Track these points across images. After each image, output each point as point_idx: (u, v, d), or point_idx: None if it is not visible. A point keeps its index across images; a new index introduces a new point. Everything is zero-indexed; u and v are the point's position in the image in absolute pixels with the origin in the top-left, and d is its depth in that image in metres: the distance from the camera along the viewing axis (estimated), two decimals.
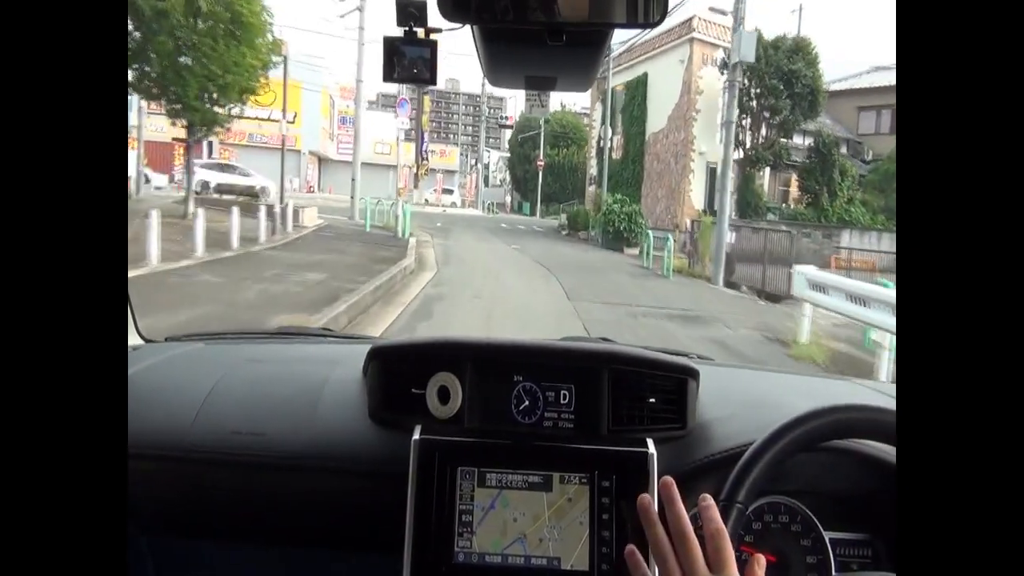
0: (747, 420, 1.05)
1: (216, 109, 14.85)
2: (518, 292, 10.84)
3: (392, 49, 1.10)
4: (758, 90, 21.61)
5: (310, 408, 1.09)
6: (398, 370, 1.05)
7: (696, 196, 22.72)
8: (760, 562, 0.75)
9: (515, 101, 64.36)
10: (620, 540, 0.91)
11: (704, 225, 16.44)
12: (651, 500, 0.82)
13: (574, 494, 0.93)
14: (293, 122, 49.62)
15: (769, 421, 0.88)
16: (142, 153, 22.49)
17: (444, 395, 1.01)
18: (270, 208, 15.44)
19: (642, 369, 1.04)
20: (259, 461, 1.02)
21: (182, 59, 13.15)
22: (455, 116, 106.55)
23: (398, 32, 1.11)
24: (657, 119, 24.54)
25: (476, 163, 47.11)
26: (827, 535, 1.00)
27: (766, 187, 23.82)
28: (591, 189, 30.14)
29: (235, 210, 12.27)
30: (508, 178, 56.57)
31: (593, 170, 29.97)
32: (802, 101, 21.32)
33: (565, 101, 51.93)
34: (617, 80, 26.86)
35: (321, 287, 8.62)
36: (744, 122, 21.82)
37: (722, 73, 21.69)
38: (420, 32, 1.08)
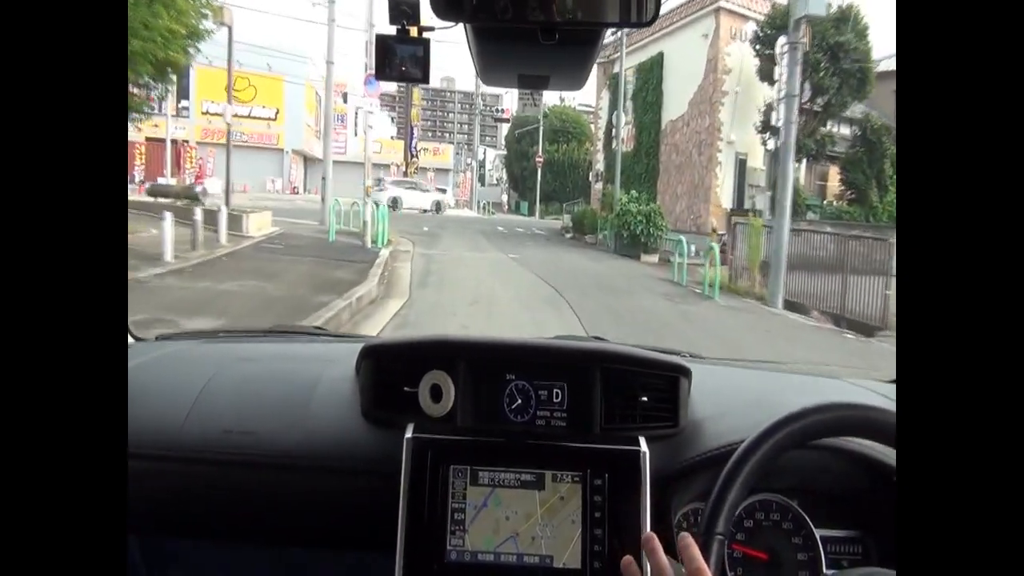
0: (739, 418, 1.04)
1: (132, 90, 11.48)
2: (520, 331, 7.31)
3: (385, 47, 1.08)
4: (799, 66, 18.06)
5: (302, 407, 1.08)
6: (390, 368, 1.04)
7: (724, 192, 19.21)
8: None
9: (511, 95, 60.91)
10: (612, 538, 0.90)
11: (752, 228, 12.93)
12: (653, 536, 0.78)
13: (566, 492, 0.93)
14: (275, 119, 46.27)
15: (761, 419, 0.87)
16: None
17: (437, 393, 1.00)
18: (211, 214, 12.13)
19: (634, 367, 1.04)
20: (251, 460, 1.01)
21: None
22: (450, 115, 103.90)
23: (391, 30, 1.10)
24: (675, 105, 21.02)
25: (471, 161, 43.57)
26: (818, 532, 0.99)
27: (801, 181, 20.30)
28: (597, 187, 26.61)
29: (168, 217, 9.62)
30: (505, 176, 53.22)
31: (600, 165, 26.45)
32: (850, 79, 17.73)
33: (565, 94, 48.53)
34: (627, 63, 23.34)
35: None
36: (779, 103, 18.29)
37: (755, 49, 18.36)
38: (413, 30, 1.06)
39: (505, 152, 54.21)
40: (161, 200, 18.63)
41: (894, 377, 1.40)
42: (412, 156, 37.15)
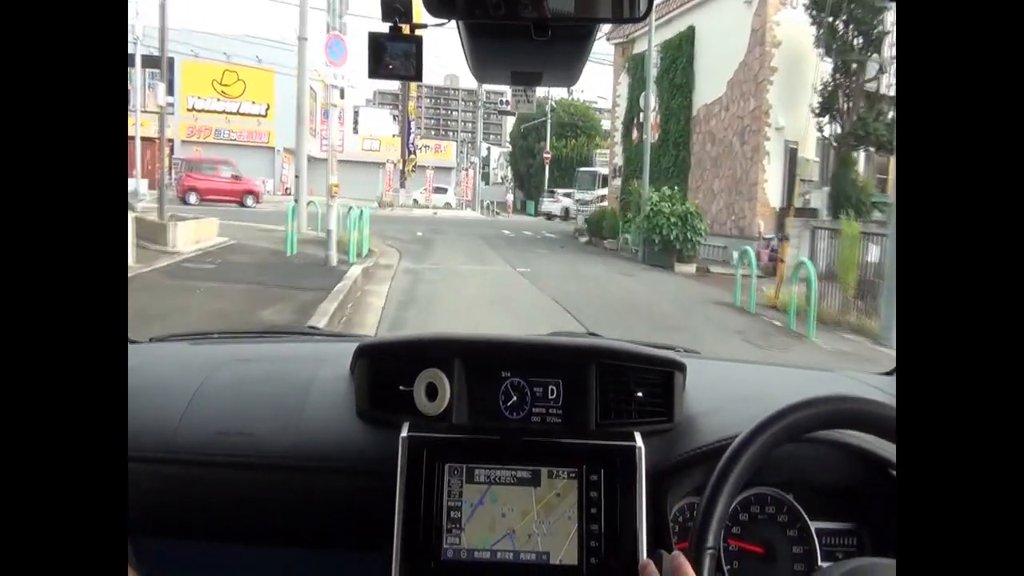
0: (734, 412, 1.04)
1: None
2: None
3: (377, 45, 1.05)
4: (860, 38, 14.73)
5: (297, 407, 1.07)
6: (385, 367, 1.04)
7: (772, 188, 15.84)
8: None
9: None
10: (609, 534, 0.90)
11: (847, 236, 9.56)
12: (649, 563, 0.81)
13: (562, 489, 0.93)
14: (265, 115, 42.93)
15: (756, 413, 0.87)
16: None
17: (432, 392, 0.99)
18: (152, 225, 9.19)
19: (629, 363, 1.03)
20: (246, 461, 1.00)
21: None
22: (454, 112, 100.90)
23: (383, 28, 1.06)
24: (710, 86, 17.66)
25: (474, 159, 40.25)
26: (813, 525, 0.99)
27: (861, 174, 16.90)
28: (616, 183, 23.25)
29: None
30: (510, 175, 49.92)
31: (618, 159, 23.08)
32: None
33: (574, 86, 45.24)
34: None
35: None
36: (839, 82, 14.95)
37: (812, 15, 15.06)
38: (405, 28, 1.04)
39: (510, 149, 50.95)
40: None
41: (888, 370, 1.45)
42: (410, 153, 33.81)
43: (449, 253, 15.05)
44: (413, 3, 0.97)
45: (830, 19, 14.38)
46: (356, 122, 53.33)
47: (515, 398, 1.01)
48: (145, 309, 6.17)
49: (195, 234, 11.30)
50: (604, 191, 28.24)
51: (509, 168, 51.33)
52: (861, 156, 16.34)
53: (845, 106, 15.04)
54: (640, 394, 1.02)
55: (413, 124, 34.60)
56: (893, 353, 7.30)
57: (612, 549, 0.89)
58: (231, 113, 40.61)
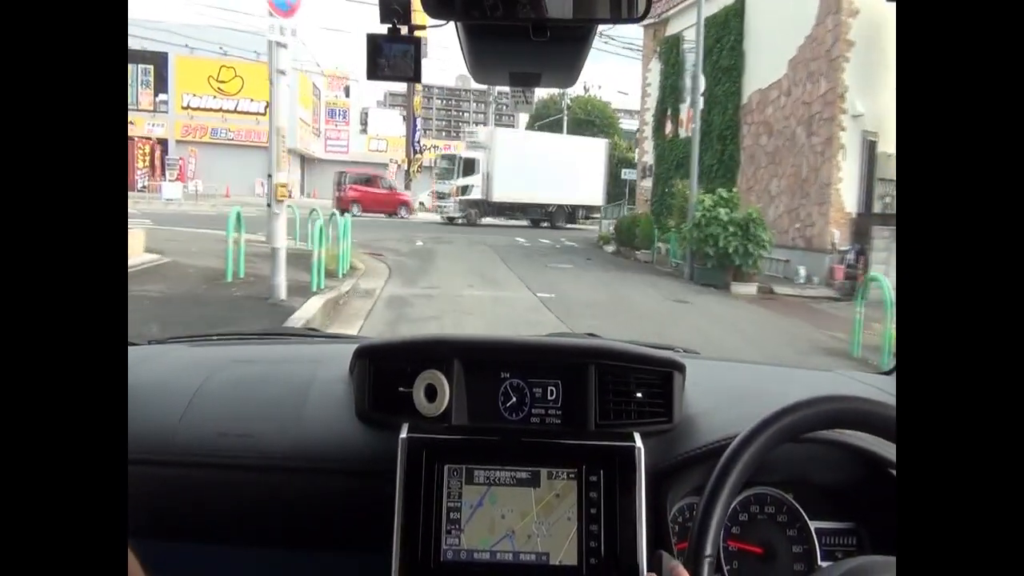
0: (733, 413, 1.03)
1: None
2: None
3: (375, 47, 1.05)
4: None
5: (296, 408, 1.06)
6: (385, 369, 1.02)
7: (847, 189, 12.72)
8: None
9: None
10: (608, 535, 0.89)
11: None
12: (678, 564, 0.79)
13: (562, 489, 0.91)
14: (264, 113, 40.18)
15: (755, 413, 0.86)
16: None
17: (431, 393, 0.98)
18: None
19: (628, 364, 1.02)
20: (246, 463, 0.99)
21: None
22: (465, 114, 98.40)
23: (382, 29, 1.08)
24: (765, 67, 14.59)
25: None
26: (812, 525, 0.99)
27: None
28: (645, 184, 20.19)
29: None
30: None
31: (648, 156, 20.01)
32: None
33: (591, 82, 42.18)
34: (686, 20, 16.96)
35: None
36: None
37: None
38: (404, 29, 1.05)
39: None
40: None
41: (887, 369, 1.48)
42: (415, 152, 30.88)
43: (452, 270, 12.07)
44: (411, 5, 0.98)
45: None
46: (365, 123, 50.68)
47: (514, 399, 1.00)
48: None
49: None
50: (470, 180, 25.40)
51: None
52: None
53: None
54: (639, 394, 1.01)
55: (419, 120, 31.69)
56: None
57: (612, 550, 0.88)
58: (228, 111, 37.80)
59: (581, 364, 1.00)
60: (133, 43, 33.52)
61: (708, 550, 0.78)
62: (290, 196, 9.47)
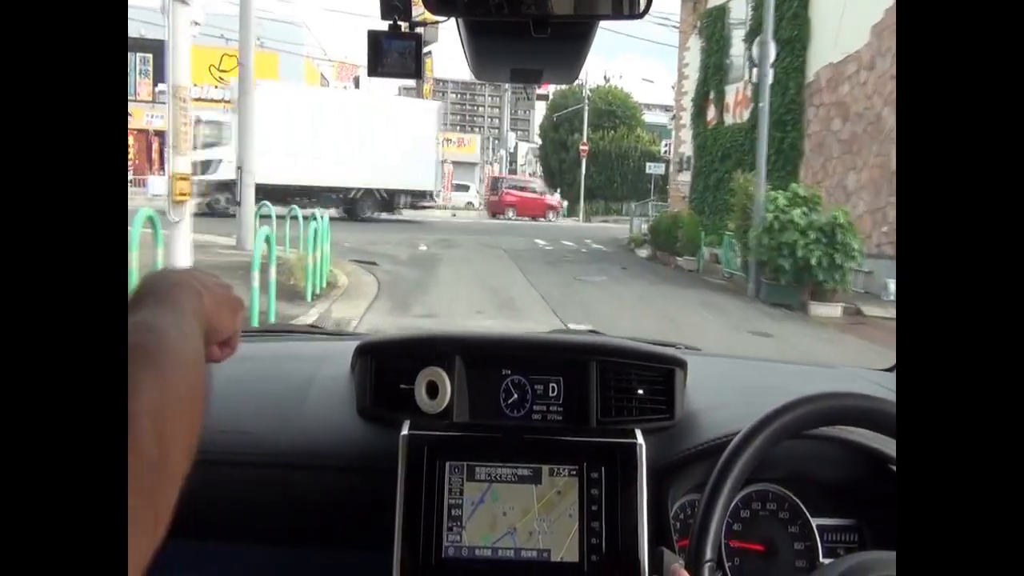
0: (735, 409, 1.01)
1: None
2: None
3: (376, 43, 1.03)
4: None
5: (298, 405, 1.05)
6: (386, 366, 1.01)
7: None
8: None
9: None
10: (610, 532, 0.89)
11: None
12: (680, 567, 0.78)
13: (563, 486, 0.91)
14: None
15: (756, 409, 0.85)
16: None
17: (433, 390, 0.97)
18: None
19: (630, 360, 1.02)
20: (247, 460, 0.98)
21: None
22: (480, 108, 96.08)
23: (382, 25, 1.05)
24: (839, 37, 11.89)
25: (501, 151, 34.55)
26: (814, 521, 0.98)
27: None
28: (681, 178, 17.54)
29: None
30: (539, 171, 44.37)
31: (685, 146, 17.35)
32: None
33: (612, 71, 39.52)
34: None
35: None
36: None
37: None
38: (404, 26, 1.02)
39: (539, 143, 45.44)
40: None
41: (890, 366, 1.39)
42: None
43: (458, 285, 9.55)
44: (412, 1, 0.97)
45: None
46: None
47: (516, 396, 0.99)
48: None
49: None
50: (215, 152, 17.76)
51: (538, 163, 45.84)
52: None
53: None
54: (641, 391, 1.00)
55: None
56: None
57: (613, 547, 0.87)
58: (230, 102, 35.49)
59: (582, 361, 0.99)
60: (131, 31, 31.41)
61: (708, 554, 0.77)
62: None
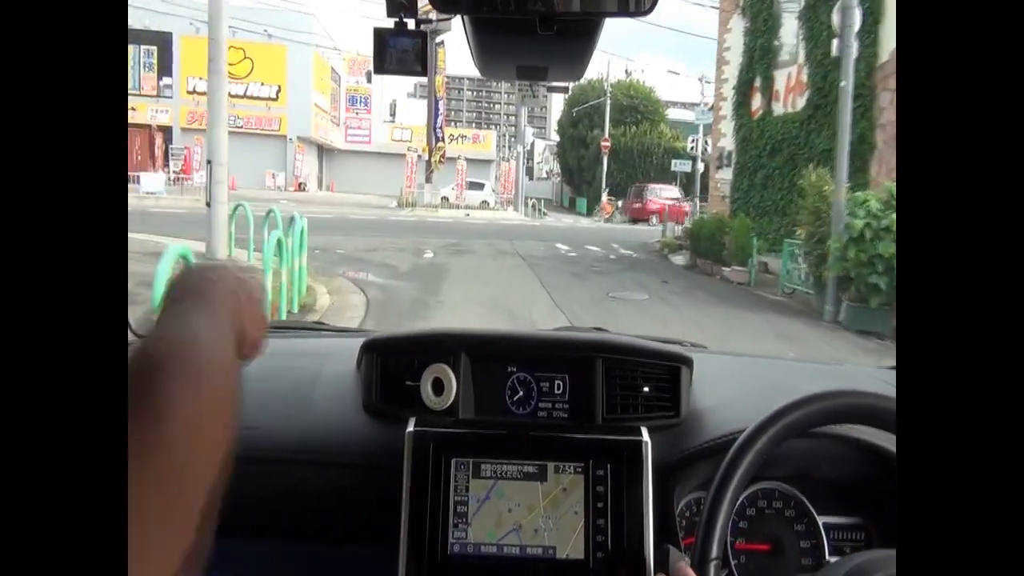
0: (741, 407, 1.00)
1: None
2: None
3: (382, 40, 1.02)
4: None
5: (303, 402, 1.04)
6: (392, 362, 1.00)
7: None
8: None
9: None
10: (615, 529, 0.88)
11: None
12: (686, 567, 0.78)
13: (569, 484, 0.90)
14: (276, 98, 35.87)
15: (762, 407, 0.83)
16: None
17: (438, 387, 0.96)
18: None
19: (635, 358, 1.00)
20: (252, 455, 0.93)
21: None
22: (496, 105, 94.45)
23: (388, 23, 1.04)
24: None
25: (518, 147, 32.55)
26: (820, 519, 0.96)
27: None
28: (722, 176, 15.49)
29: None
30: (556, 168, 42.42)
31: (726, 140, 15.29)
32: None
33: (633, 66, 37.46)
34: None
35: None
36: None
37: None
38: (411, 23, 1.01)
39: (556, 141, 43.50)
40: None
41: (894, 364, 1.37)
42: (437, 140, 26.46)
43: (467, 305, 7.64)
44: None
45: None
46: (394, 114, 46.62)
47: (521, 393, 0.98)
48: None
49: None
50: None
51: (556, 161, 43.89)
52: None
53: None
54: (647, 389, 0.99)
55: (441, 104, 27.27)
56: None
57: (619, 544, 0.87)
58: (237, 96, 33.46)
59: (588, 358, 0.98)
60: (135, 22, 29.84)
61: (714, 552, 0.76)
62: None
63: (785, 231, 12.00)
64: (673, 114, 39.47)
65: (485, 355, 0.98)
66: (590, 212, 33.55)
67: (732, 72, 14.97)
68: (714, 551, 0.76)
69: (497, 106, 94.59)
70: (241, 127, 33.43)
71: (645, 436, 0.91)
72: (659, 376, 0.99)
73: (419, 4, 0.95)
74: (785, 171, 12.63)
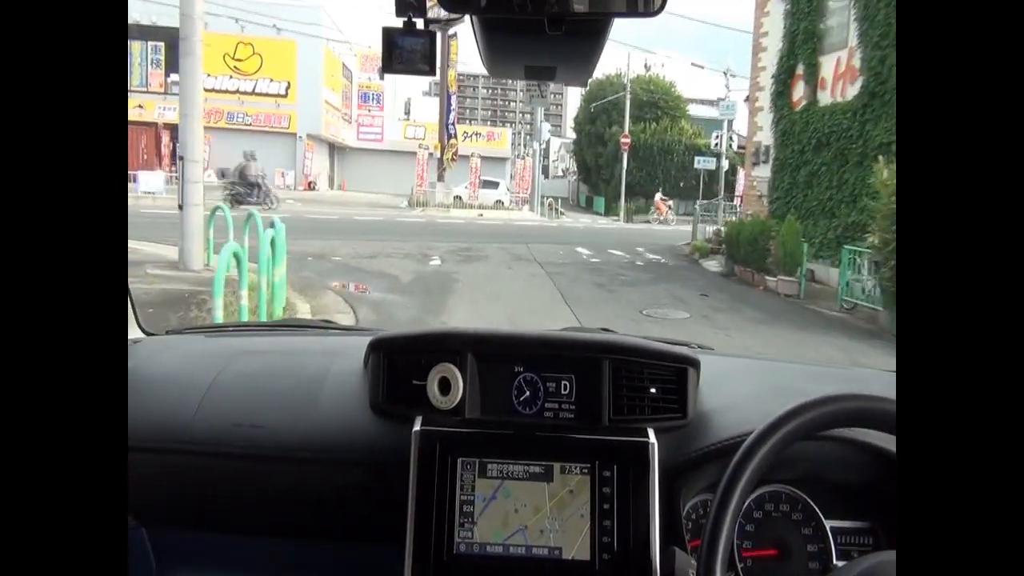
0: (748, 409, 1.00)
1: None
2: None
3: (390, 40, 1.01)
4: None
5: (311, 400, 1.05)
6: (399, 361, 1.01)
7: None
8: None
9: None
10: (621, 531, 0.88)
11: None
12: None
13: (575, 485, 0.90)
14: (285, 95, 34.69)
15: (769, 409, 0.83)
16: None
17: (445, 386, 0.96)
18: None
19: (642, 359, 1.00)
20: (260, 453, 0.98)
21: None
22: (511, 103, 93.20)
23: (397, 23, 1.02)
24: None
25: (534, 144, 31.21)
26: (828, 523, 0.96)
27: None
28: (758, 173, 14.06)
29: None
30: (573, 166, 41.05)
31: (764, 134, 13.88)
32: None
33: (653, 60, 36.03)
34: None
35: None
36: None
37: None
38: (419, 23, 1.00)
39: (573, 138, 42.08)
40: None
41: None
42: (449, 137, 25.22)
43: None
44: None
45: None
46: (408, 111, 45.45)
47: (528, 393, 0.98)
48: None
49: None
50: None
51: (572, 159, 42.51)
52: None
53: None
54: (653, 390, 0.98)
55: (454, 99, 26.02)
56: None
57: (625, 546, 0.86)
58: (246, 93, 32.54)
59: (595, 359, 0.98)
60: (141, 17, 28.84)
61: (721, 553, 0.75)
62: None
63: (835, 235, 10.67)
64: (694, 110, 37.96)
65: (492, 355, 0.98)
66: (608, 212, 32.14)
67: (770, 60, 13.54)
68: (720, 553, 0.74)
69: (512, 103, 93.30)
70: (250, 125, 32.42)
71: (652, 437, 0.91)
72: (666, 377, 0.99)
73: (427, 3, 0.94)
74: (833, 167, 11.23)
